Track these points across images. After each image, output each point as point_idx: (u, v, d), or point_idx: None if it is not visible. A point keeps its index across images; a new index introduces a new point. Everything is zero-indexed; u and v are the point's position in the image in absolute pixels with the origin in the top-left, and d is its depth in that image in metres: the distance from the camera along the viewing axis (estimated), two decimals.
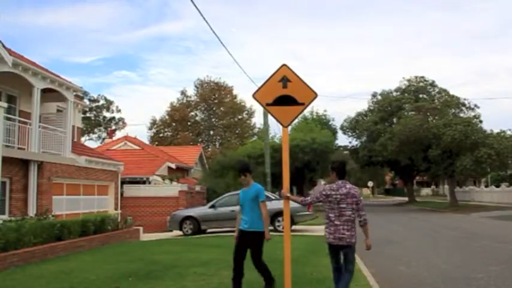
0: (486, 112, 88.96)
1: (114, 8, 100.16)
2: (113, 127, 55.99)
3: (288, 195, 5.77)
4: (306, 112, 43.63)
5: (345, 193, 5.42)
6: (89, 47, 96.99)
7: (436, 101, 37.83)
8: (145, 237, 16.19)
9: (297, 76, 5.88)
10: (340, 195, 5.42)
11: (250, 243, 6.12)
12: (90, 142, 52.69)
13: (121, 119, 57.82)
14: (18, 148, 13.92)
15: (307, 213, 16.30)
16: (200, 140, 51.80)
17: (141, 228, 16.39)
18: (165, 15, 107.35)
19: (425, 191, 71.23)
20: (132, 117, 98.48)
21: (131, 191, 21.96)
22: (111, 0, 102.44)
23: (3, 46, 12.44)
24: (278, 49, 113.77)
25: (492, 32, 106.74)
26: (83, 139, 42.34)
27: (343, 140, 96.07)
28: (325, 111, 51.97)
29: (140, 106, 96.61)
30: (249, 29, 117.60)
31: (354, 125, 43.59)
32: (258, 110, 50.38)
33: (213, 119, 53.52)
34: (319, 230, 17.63)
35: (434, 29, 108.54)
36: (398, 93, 41.30)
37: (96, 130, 57.27)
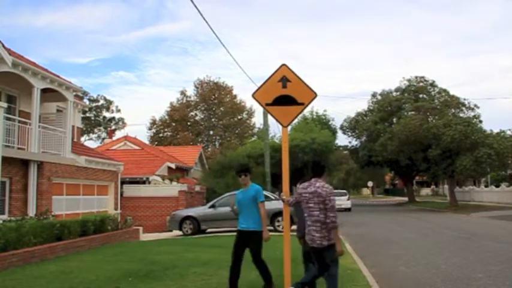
0: (485, 112, 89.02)
1: (111, 9, 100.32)
2: (113, 127, 55.95)
3: (284, 198, 5.68)
4: (306, 112, 43.67)
5: (312, 192, 5.21)
6: (86, 48, 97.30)
7: (436, 101, 37.79)
8: (145, 237, 16.18)
9: (297, 76, 5.88)
10: (309, 194, 5.24)
11: (249, 243, 6.12)
12: (90, 142, 52.74)
13: (121, 119, 57.83)
14: (18, 148, 13.91)
15: None
16: (200, 140, 51.75)
17: (140, 228, 16.37)
18: (161, 16, 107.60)
19: (425, 191, 71.19)
20: (131, 117, 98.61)
21: (131, 191, 21.95)
22: (108, 2, 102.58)
23: (3, 46, 12.43)
24: (277, 49, 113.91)
25: (490, 32, 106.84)
26: (82, 139, 42.35)
27: (343, 140, 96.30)
28: (325, 111, 52.19)
29: (137, 106, 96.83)
30: (247, 29, 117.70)
31: (353, 125, 43.59)
32: (258, 110, 50.43)
33: (213, 119, 53.45)
34: None
35: (432, 30, 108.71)
36: (398, 93, 41.25)
37: (96, 130, 57.24)
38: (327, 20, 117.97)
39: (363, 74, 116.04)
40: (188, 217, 17.44)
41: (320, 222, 5.13)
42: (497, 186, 38.18)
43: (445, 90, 38.89)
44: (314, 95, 5.87)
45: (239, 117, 53.30)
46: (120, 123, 57.46)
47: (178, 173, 28.16)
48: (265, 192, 18.17)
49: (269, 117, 21.75)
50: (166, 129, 52.83)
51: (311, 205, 5.21)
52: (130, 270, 8.24)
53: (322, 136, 36.31)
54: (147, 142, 44.36)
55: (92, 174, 17.46)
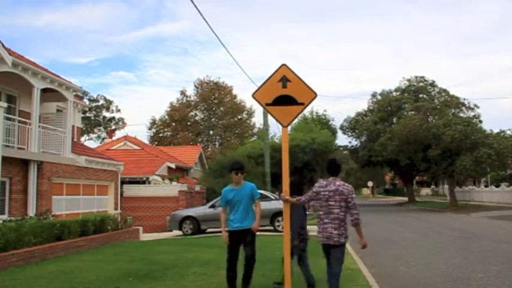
0: (485, 112, 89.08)
1: (111, 9, 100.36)
2: (113, 127, 55.92)
3: (287, 197, 5.55)
4: (306, 112, 43.63)
5: (333, 190, 5.23)
6: (86, 48, 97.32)
7: (436, 101, 37.80)
8: (145, 237, 16.18)
9: (297, 76, 5.86)
10: (329, 192, 5.25)
11: (245, 240, 6.03)
12: (90, 142, 52.71)
13: (121, 119, 57.82)
14: (18, 148, 13.92)
15: (306, 213, 16.27)
16: (200, 140, 51.75)
17: (140, 228, 16.38)
18: (161, 16, 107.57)
19: (425, 191, 71.16)
20: (131, 117, 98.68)
21: (131, 191, 21.95)
22: (108, 2, 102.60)
23: (3, 46, 12.43)
24: (277, 49, 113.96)
25: (490, 32, 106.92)
26: (82, 139, 42.32)
27: (343, 140, 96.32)
28: (325, 111, 52.20)
29: (137, 106, 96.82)
30: (247, 29, 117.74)
31: (353, 125, 43.60)
32: (258, 110, 50.44)
33: (213, 119, 53.46)
34: None
35: (432, 30, 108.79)
36: (398, 93, 41.27)
37: (96, 130, 57.24)
38: (327, 20, 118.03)
39: (363, 74, 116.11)
40: (188, 217, 17.44)
41: (339, 220, 5.23)
42: (497, 186, 38.15)
43: (445, 90, 38.91)
44: (314, 95, 5.85)
45: (239, 117, 53.32)
46: (120, 123, 57.46)
47: (178, 173, 28.17)
48: (265, 192, 18.37)
49: (269, 117, 21.77)
50: (166, 129, 52.85)
51: (331, 203, 5.24)
52: (130, 270, 8.25)
53: (322, 136, 36.30)
54: (147, 142, 44.37)
55: (92, 174, 17.46)
